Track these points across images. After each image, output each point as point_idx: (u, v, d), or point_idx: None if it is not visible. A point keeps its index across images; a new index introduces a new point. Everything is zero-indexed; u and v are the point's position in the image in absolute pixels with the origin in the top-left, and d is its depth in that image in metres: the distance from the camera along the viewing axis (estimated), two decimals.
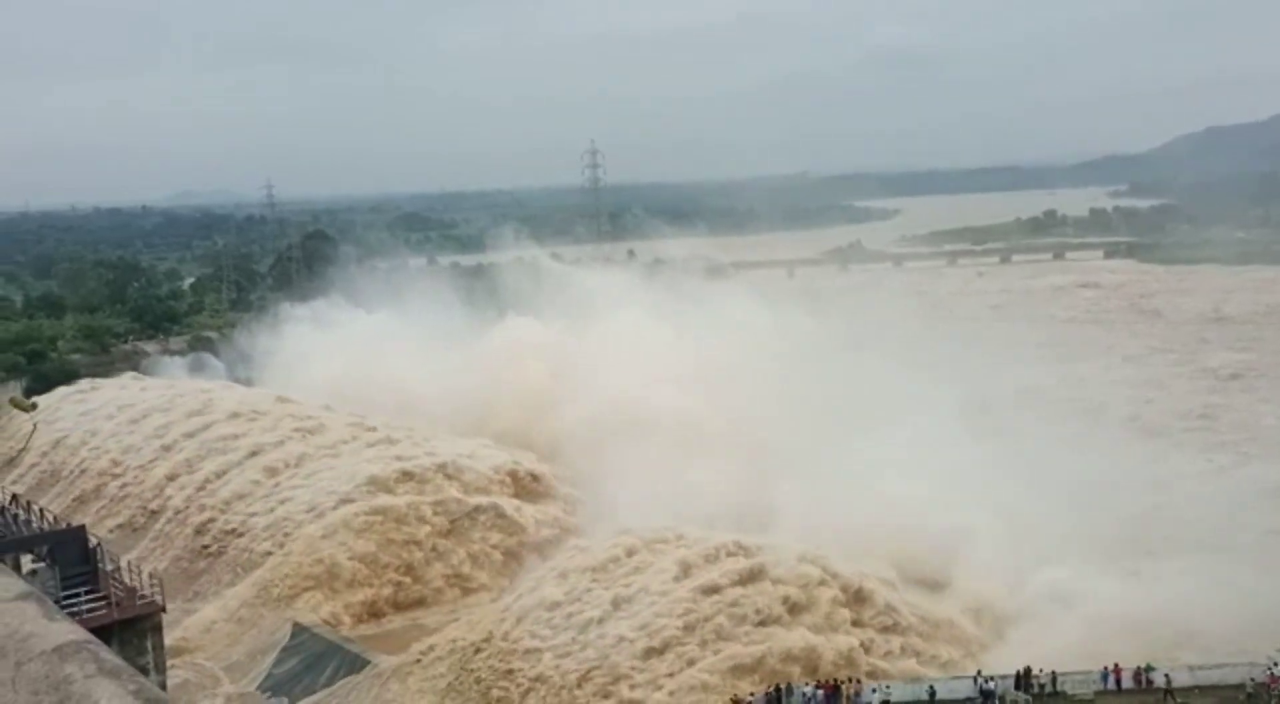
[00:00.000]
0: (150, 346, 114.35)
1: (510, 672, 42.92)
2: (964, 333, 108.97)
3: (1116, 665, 40.22)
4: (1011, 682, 40.21)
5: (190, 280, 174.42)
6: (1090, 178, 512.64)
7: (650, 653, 41.91)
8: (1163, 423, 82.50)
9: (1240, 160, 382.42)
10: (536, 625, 44.25)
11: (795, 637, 42.98)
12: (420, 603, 56.52)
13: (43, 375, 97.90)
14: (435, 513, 59.00)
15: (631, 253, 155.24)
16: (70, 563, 24.15)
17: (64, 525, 28.83)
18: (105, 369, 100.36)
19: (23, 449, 73.80)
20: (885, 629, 45.87)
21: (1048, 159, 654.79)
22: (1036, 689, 40.14)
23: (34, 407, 58.69)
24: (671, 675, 41.18)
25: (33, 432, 74.51)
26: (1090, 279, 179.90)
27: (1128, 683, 40.11)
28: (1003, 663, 42.55)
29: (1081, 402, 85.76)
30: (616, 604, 44.02)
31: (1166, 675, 39.71)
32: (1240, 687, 39.35)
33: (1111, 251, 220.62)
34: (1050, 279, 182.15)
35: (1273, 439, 75.47)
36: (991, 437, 60.17)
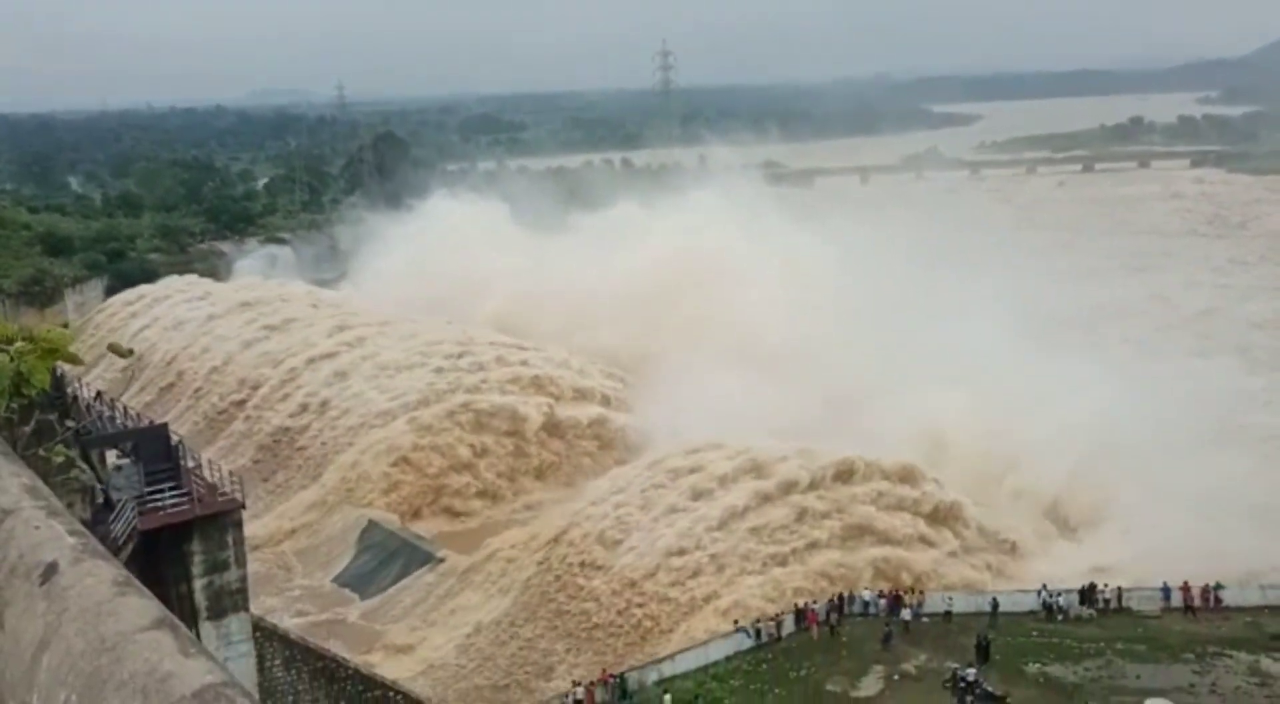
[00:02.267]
0: (225, 246, 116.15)
1: (584, 565, 43.80)
2: (1040, 244, 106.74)
3: (1185, 583, 39.84)
4: (1076, 597, 40.13)
5: (264, 181, 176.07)
6: (1181, 83, 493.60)
7: (720, 555, 42.45)
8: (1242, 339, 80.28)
9: None
10: (610, 523, 45.00)
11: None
12: (495, 502, 57.58)
13: (122, 273, 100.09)
14: (513, 419, 59.70)
15: (703, 159, 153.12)
16: (153, 459, 24.85)
17: (146, 423, 29.64)
18: (182, 267, 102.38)
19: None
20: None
21: (1138, 63, 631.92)
22: (1101, 604, 40.03)
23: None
24: (741, 574, 41.79)
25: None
26: (1175, 189, 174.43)
27: (1195, 601, 39.76)
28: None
29: (1159, 317, 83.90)
30: (691, 504, 44.58)
31: None
32: None
33: (1199, 160, 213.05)
34: (1133, 189, 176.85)
35: None
36: (1066, 352, 59.21)
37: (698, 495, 45.10)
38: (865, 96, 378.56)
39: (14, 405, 7.84)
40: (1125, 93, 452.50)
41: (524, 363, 64.22)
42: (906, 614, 38.44)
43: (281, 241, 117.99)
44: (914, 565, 43.91)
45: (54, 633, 2.84)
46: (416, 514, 55.85)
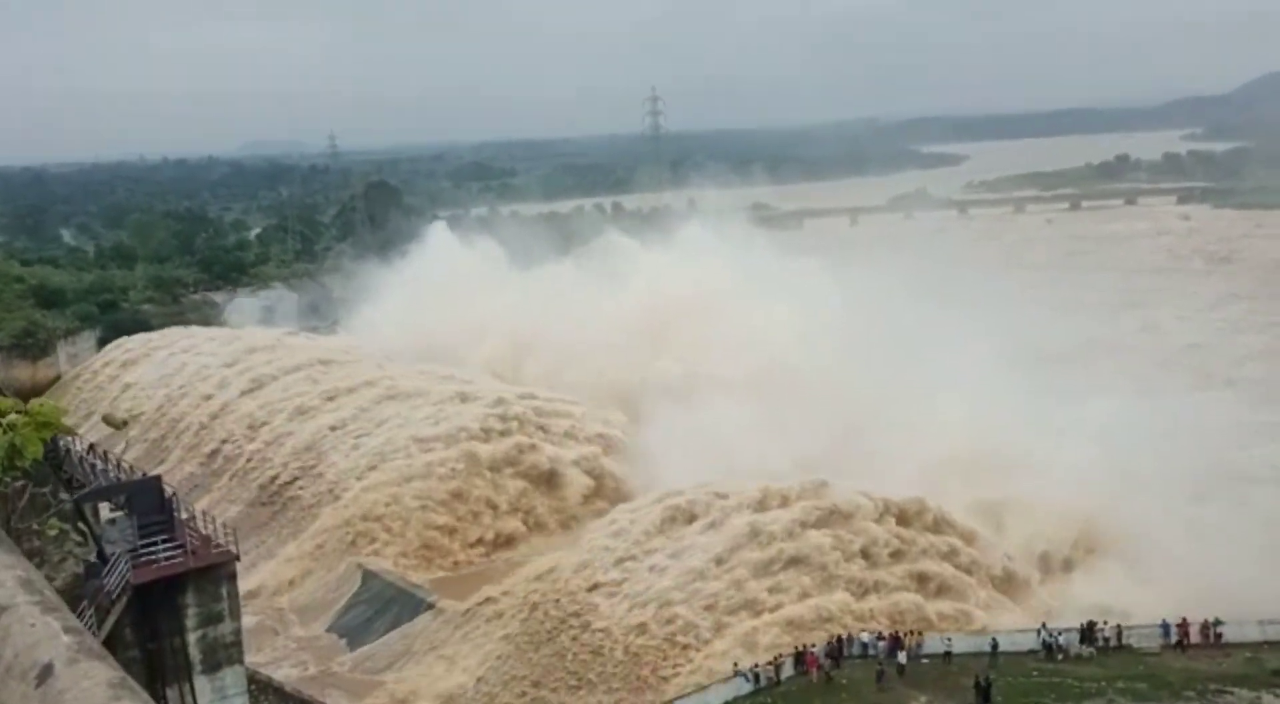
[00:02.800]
0: (218, 297, 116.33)
1: (578, 614, 43.52)
2: (1030, 281, 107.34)
3: (1183, 620, 39.72)
4: (1076, 635, 39.94)
5: (256, 231, 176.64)
6: (1166, 120, 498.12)
7: (714, 602, 42.22)
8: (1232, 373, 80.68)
9: None
10: (604, 571, 44.76)
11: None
12: (489, 550, 57.28)
13: (115, 325, 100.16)
14: (508, 464, 59.57)
15: (692, 202, 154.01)
16: (147, 512, 24.71)
17: (140, 474, 29.53)
18: (175, 318, 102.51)
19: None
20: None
21: (1123, 102, 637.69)
22: (1101, 642, 39.85)
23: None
24: (736, 621, 41.53)
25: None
26: (1162, 225, 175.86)
27: (1195, 637, 39.62)
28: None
29: (1148, 352, 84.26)
30: (680, 554, 44.35)
31: None
32: None
33: (1185, 197, 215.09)
34: (1120, 225, 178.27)
35: None
36: (1060, 390, 59.35)
37: (694, 537, 44.94)
38: (854, 139, 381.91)
39: (7, 479, 7.91)
40: (1110, 131, 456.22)
41: (518, 406, 64.05)
42: (903, 657, 38.16)
43: (274, 290, 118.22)
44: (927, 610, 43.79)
45: None
46: (411, 561, 55.49)
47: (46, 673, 2.86)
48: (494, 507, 58.32)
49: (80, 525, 23.70)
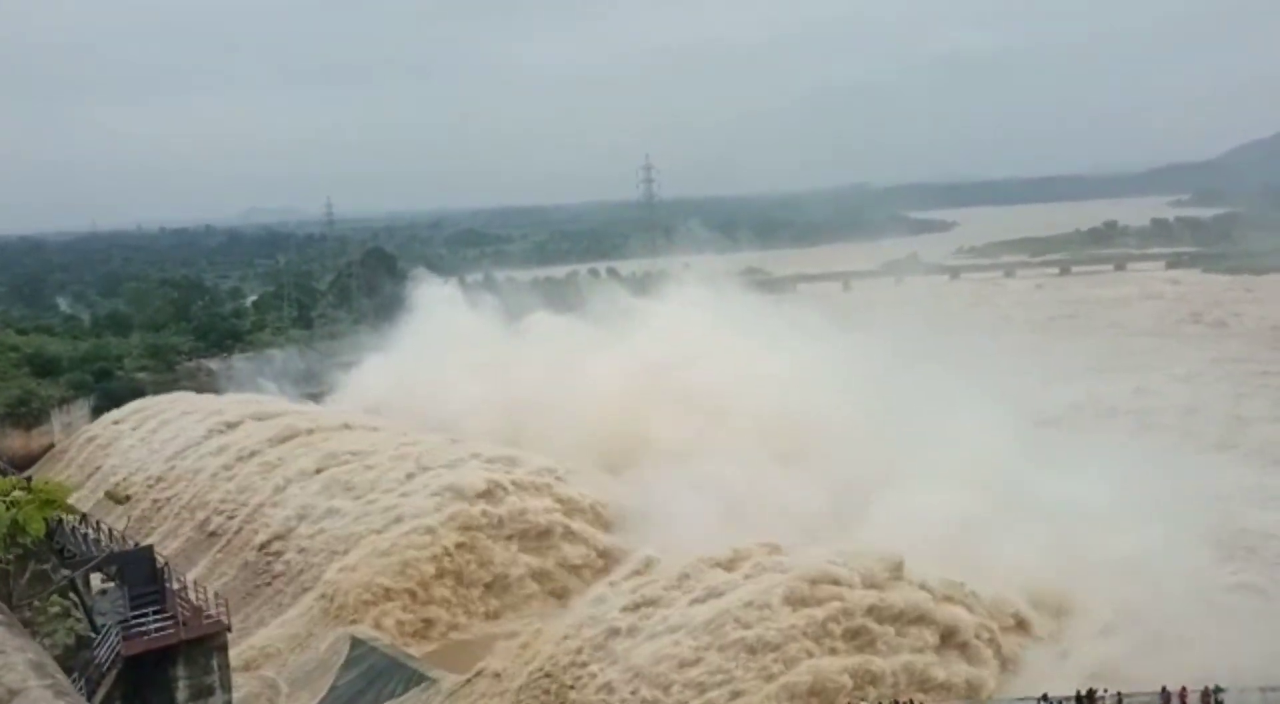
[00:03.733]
0: (214, 364, 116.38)
1: (579, 680, 43.01)
2: (1023, 345, 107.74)
3: (1183, 688, 39.35)
4: (1073, 703, 39.51)
5: (253, 298, 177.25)
6: (1153, 187, 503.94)
7: (727, 669, 41.73)
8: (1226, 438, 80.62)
9: None
10: (601, 642, 44.32)
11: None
12: (486, 619, 56.75)
13: (110, 393, 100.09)
14: (498, 532, 59.24)
15: (687, 266, 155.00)
16: (139, 582, 24.63)
17: (131, 545, 29.42)
18: (170, 386, 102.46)
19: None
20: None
21: (1110, 168, 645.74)
22: None
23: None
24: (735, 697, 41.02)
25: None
26: (1152, 290, 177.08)
27: None
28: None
29: (1141, 414, 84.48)
30: (678, 626, 43.90)
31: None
32: None
33: (1174, 262, 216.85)
34: (1110, 291, 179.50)
35: None
36: (1056, 455, 59.22)
37: (690, 607, 44.52)
38: (844, 204, 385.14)
39: (9, 556, 7.96)
40: (1098, 197, 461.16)
41: (513, 472, 63.80)
42: None
43: (270, 357, 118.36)
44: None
45: None
46: (406, 631, 54.94)
47: None
48: (489, 575, 57.88)
49: (72, 596, 23.55)
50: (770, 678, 41.38)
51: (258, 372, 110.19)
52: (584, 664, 43.69)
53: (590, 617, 46.35)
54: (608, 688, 42.26)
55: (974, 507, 50.80)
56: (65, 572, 22.62)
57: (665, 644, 42.95)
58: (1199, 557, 49.97)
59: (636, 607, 45.69)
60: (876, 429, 60.71)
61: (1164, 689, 39.54)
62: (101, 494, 74.43)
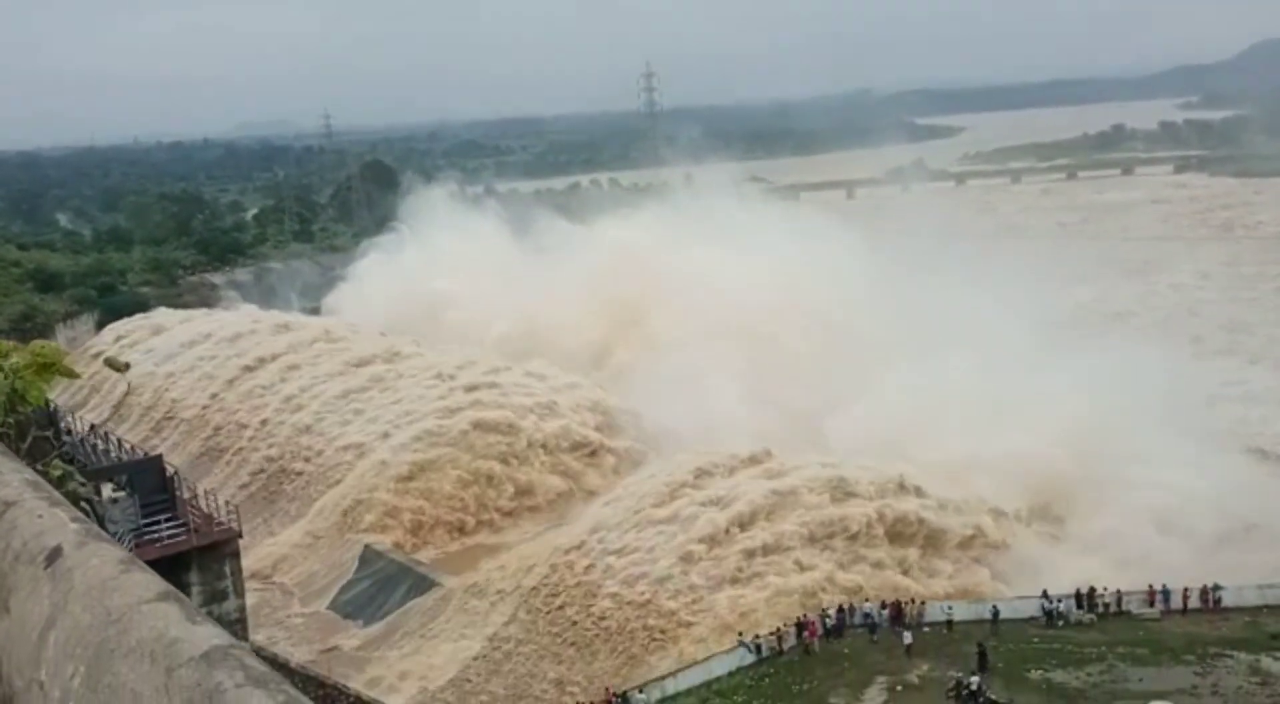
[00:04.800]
0: (217, 278, 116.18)
1: (580, 586, 43.70)
2: (1029, 251, 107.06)
3: (1185, 590, 39.89)
4: (1073, 601, 40.13)
5: (253, 212, 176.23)
6: (1162, 89, 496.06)
7: (714, 575, 42.36)
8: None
9: None
10: (608, 543, 44.93)
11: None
12: (490, 527, 57.45)
13: (113, 308, 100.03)
14: (507, 439, 59.62)
15: (689, 177, 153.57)
16: (149, 491, 24.80)
17: (141, 454, 29.59)
18: (173, 300, 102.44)
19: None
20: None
21: (1118, 71, 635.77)
22: (1100, 608, 40.05)
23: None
24: (737, 593, 41.68)
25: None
26: (1159, 194, 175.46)
27: (1194, 602, 39.81)
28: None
29: (1146, 318, 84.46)
30: (686, 523, 44.48)
31: None
32: None
33: (1182, 166, 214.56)
34: (1118, 195, 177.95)
35: None
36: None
37: (693, 510, 45.05)
38: (849, 112, 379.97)
39: (9, 421, 7.88)
40: (1106, 101, 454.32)
41: (517, 383, 64.10)
42: (908, 637, 37.95)
43: (272, 271, 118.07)
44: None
45: (60, 611, 2.90)
46: (415, 539, 55.66)
47: (55, 555, 2.89)
48: (496, 482, 58.39)
49: (83, 505, 23.85)
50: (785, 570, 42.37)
51: (261, 285, 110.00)
52: (592, 565, 44.35)
53: (598, 521, 46.94)
54: (612, 589, 42.93)
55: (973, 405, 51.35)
56: (78, 479, 22.71)
57: (674, 545, 43.55)
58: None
59: (641, 510, 46.26)
60: (884, 335, 60.88)
61: (1164, 587, 40.11)
62: (109, 410, 74.89)
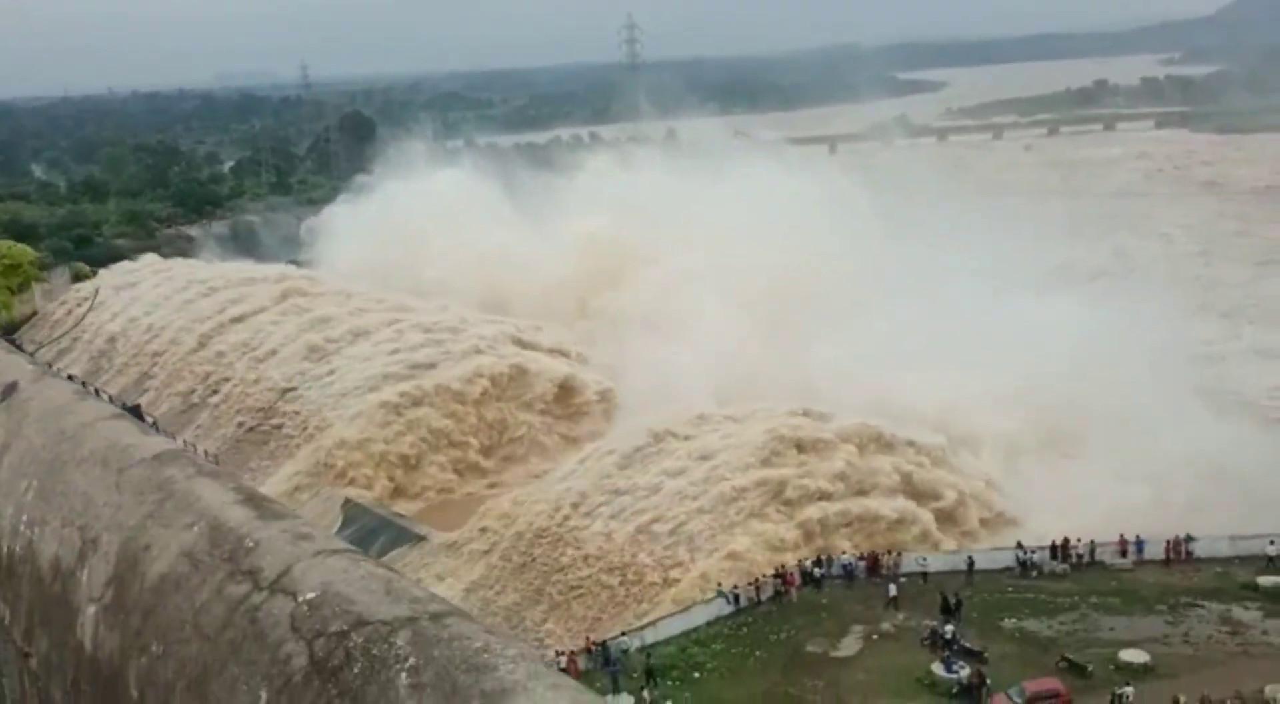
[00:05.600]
0: (193, 230, 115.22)
1: (566, 534, 44.05)
2: (1008, 208, 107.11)
3: (1167, 542, 40.33)
4: (1048, 552, 40.64)
5: (230, 164, 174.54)
6: (1145, 44, 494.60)
7: (692, 528, 42.73)
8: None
9: None
10: (592, 490, 45.23)
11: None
12: (474, 477, 57.69)
13: (90, 259, 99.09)
14: (484, 391, 59.74)
15: (672, 131, 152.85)
16: None
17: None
18: (150, 252, 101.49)
19: (86, 312, 74.63)
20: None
21: (1101, 25, 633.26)
22: (1074, 559, 40.58)
23: (93, 273, 59.69)
24: (714, 545, 42.10)
25: (95, 295, 75.44)
26: (1141, 150, 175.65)
27: (1166, 552, 40.33)
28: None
29: (1128, 275, 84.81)
30: (668, 475, 44.78)
31: None
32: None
33: (1164, 121, 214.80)
34: (1099, 151, 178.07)
35: None
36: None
37: (672, 463, 45.36)
38: (832, 66, 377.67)
39: None
40: (1089, 56, 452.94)
41: (498, 330, 64.34)
42: (893, 589, 38.29)
43: (249, 224, 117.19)
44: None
45: (15, 436, 2.96)
46: (398, 491, 55.87)
47: (11, 389, 2.96)
48: (477, 434, 58.62)
49: None
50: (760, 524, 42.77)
51: (239, 237, 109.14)
52: (572, 517, 44.67)
53: (579, 473, 47.21)
54: (594, 540, 43.29)
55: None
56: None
57: (651, 500, 43.88)
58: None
59: (618, 469, 46.50)
60: (859, 297, 61.12)
61: (1138, 538, 40.62)
62: (87, 360, 74.58)
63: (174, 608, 2.14)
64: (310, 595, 1.94)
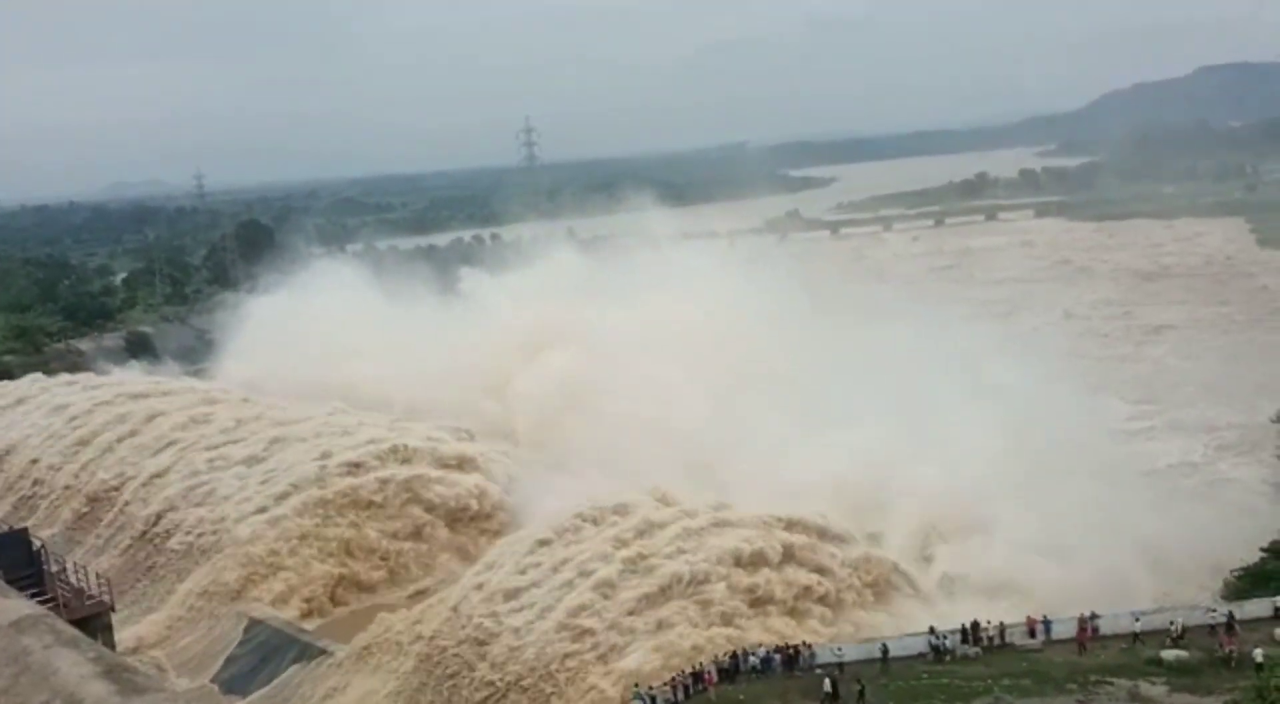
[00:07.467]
0: (84, 344, 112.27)
1: (474, 642, 42.91)
2: (902, 295, 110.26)
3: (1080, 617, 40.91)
4: (959, 636, 40.85)
5: (122, 275, 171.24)
6: (1021, 138, 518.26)
7: (605, 628, 42.09)
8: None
9: (1166, 115, 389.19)
10: (494, 605, 44.25)
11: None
12: (374, 590, 56.28)
13: None
14: (381, 499, 58.65)
15: (571, 230, 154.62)
16: (14, 566, 23.77)
17: (6, 528, 28.37)
18: (39, 369, 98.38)
19: None
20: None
21: (980, 121, 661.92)
22: (985, 642, 40.85)
23: None
24: (628, 646, 41.49)
25: None
26: (1023, 239, 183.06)
27: (1072, 631, 40.81)
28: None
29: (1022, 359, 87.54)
30: (570, 583, 44.06)
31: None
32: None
33: (1042, 211, 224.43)
34: (983, 240, 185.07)
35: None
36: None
37: (579, 564, 44.75)
38: (725, 164, 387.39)
39: None
40: (969, 150, 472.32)
41: (400, 440, 63.24)
42: (827, 684, 37.80)
43: (142, 336, 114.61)
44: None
45: None
46: (299, 607, 54.13)
47: None
48: (379, 546, 57.34)
49: None
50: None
51: (132, 350, 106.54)
52: (481, 624, 43.64)
53: (486, 579, 46.26)
54: (503, 646, 42.35)
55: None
56: None
57: (565, 599, 43.19)
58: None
59: (525, 571, 45.78)
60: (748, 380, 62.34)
61: (1045, 618, 41.15)
62: None
63: None
64: None
